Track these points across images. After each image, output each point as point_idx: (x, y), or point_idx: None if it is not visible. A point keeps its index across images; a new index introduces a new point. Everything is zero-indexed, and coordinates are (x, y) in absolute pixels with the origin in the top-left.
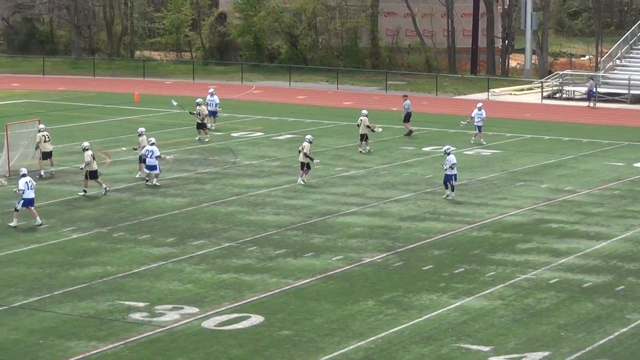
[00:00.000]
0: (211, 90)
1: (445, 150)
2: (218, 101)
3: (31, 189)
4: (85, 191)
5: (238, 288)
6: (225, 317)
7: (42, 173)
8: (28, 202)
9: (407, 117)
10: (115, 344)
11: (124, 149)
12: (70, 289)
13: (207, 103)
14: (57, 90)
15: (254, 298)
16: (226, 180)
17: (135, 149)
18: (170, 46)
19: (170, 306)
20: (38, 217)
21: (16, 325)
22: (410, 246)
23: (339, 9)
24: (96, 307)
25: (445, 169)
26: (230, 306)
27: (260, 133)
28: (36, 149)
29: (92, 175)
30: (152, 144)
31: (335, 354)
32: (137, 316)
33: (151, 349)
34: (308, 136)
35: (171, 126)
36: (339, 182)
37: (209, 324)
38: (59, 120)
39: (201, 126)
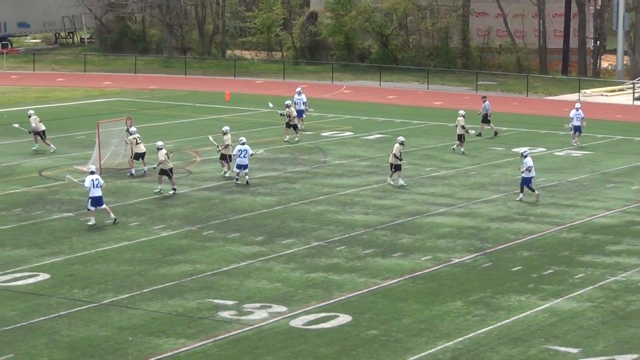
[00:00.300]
0: (299, 89)
1: (522, 153)
2: (306, 100)
3: (97, 187)
4: (160, 190)
5: (326, 287)
6: (313, 316)
7: (133, 172)
8: (95, 201)
9: (485, 118)
10: (204, 342)
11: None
12: (159, 286)
13: (295, 102)
14: (148, 88)
15: (342, 297)
16: (315, 179)
17: (222, 147)
18: (262, 45)
19: (258, 305)
20: (112, 213)
21: (106, 322)
22: (499, 247)
23: (430, 8)
24: (185, 305)
25: (522, 172)
26: (318, 305)
27: (350, 133)
28: (126, 144)
29: (165, 173)
30: (244, 143)
31: (423, 354)
32: (225, 314)
33: (239, 347)
34: (400, 137)
35: (260, 125)
36: (428, 182)
37: (297, 322)
38: (150, 119)
39: (290, 126)
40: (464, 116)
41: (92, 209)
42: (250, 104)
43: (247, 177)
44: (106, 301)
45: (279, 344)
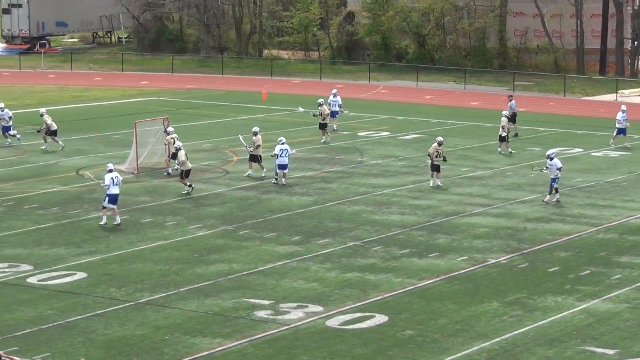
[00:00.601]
0: (334, 91)
1: (548, 155)
2: (341, 102)
3: (116, 185)
4: (189, 189)
5: (362, 287)
6: (349, 316)
7: (170, 171)
8: (112, 199)
9: (513, 118)
10: (240, 342)
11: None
12: (195, 285)
13: (330, 103)
14: (185, 88)
15: (378, 297)
16: (352, 179)
17: (252, 148)
18: (298, 45)
19: (294, 304)
20: (118, 217)
21: (142, 321)
22: (535, 247)
23: (467, 8)
24: (221, 305)
25: (550, 173)
26: (354, 305)
27: (387, 133)
28: (165, 144)
29: (186, 174)
30: (284, 143)
31: (459, 354)
32: (261, 314)
33: (275, 346)
34: (439, 137)
35: (297, 125)
36: (464, 182)
37: (333, 322)
38: (187, 118)
39: (323, 126)
40: (507, 117)
41: (109, 206)
42: (287, 104)
43: (283, 179)
44: (142, 300)
45: (315, 344)
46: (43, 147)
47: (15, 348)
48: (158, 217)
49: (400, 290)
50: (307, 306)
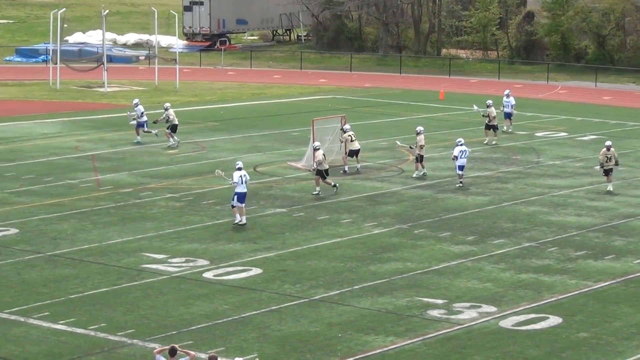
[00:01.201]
0: (507, 91)
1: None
2: (514, 103)
3: (244, 183)
4: (334, 188)
5: (537, 288)
6: (522, 317)
7: (347, 169)
8: (240, 197)
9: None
10: (413, 340)
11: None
12: (370, 283)
13: (503, 105)
14: (363, 86)
15: (552, 299)
16: (528, 179)
17: (417, 148)
18: (477, 45)
19: (468, 304)
20: (244, 217)
21: (316, 318)
22: None
23: None
24: (395, 303)
25: None
26: (528, 306)
27: (564, 133)
28: (342, 142)
29: (322, 174)
30: (462, 144)
31: (633, 358)
32: (435, 313)
33: (448, 346)
34: (607, 142)
35: (474, 125)
36: None
37: (507, 323)
38: (363, 117)
39: (490, 127)
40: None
41: (238, 205)
42: (464, 103)
43: (460, 180)
44: (317, 297)
45: (488, 344)
46: (171, 143)
47: (190, 342)
48: (334, 214)
49: (575, 292)
50: (480, 306)
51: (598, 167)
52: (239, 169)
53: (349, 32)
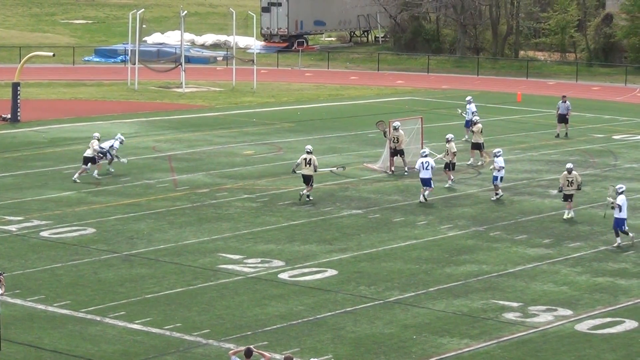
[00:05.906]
0: (469, 98)
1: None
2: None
3: (426, 169)
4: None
5: (613, 292)
6: (598, 321)
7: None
8: (424, 182)
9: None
10: (488, 343)
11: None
12: (445, 286)
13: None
14: (440, 88)
15: (629, 303)
16: (605, 182)
17: (449, 156)
18: (555, 47)
19: (543, 307)
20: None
21: (391, 320)
22: None
23: None
24: (470, 305)
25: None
26: (604, 310)
27: None
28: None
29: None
30: (426, 155)
31: None
32: (510, 316)
33: (523, 349)
34: (569, 164)
35: (551, 127)
36: None
37: (582, 327)
38: (440, 119)
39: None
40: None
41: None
42: (542, 106)
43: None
44: (392, 299)
45: (564, 348)
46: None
47: (265, 343)
48: (409, 216)
49: None
50: (556, 309)
51: (555, 192)
52: (425, 155)
53: (426, 33)
